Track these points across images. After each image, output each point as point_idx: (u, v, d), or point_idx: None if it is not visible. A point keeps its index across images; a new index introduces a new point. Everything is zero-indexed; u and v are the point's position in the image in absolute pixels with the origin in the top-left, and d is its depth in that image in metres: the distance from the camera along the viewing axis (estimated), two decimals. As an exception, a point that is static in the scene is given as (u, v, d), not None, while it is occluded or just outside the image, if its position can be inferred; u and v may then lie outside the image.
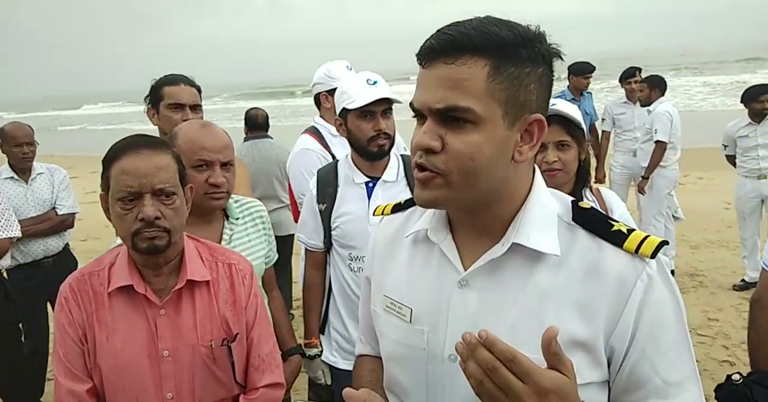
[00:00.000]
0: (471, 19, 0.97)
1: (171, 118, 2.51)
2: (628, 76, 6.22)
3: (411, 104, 1.01)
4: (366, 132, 2.26)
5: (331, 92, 3.02)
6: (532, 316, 0.99)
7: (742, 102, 5.28)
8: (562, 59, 1.01)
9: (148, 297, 1.55)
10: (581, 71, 6.03)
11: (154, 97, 2.58)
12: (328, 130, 3.17)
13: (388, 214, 1.30)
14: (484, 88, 0.93)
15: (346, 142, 2.39)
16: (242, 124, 5.32)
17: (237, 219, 2.08)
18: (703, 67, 37.89)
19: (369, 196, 2.35)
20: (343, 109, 2.28)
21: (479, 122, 0.93)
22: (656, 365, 0.99)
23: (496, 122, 0.94)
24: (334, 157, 3.01)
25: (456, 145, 0.94)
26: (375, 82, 2.27)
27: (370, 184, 2.37)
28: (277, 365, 1.71)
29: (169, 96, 2.53)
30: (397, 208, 1.28)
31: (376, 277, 1.24)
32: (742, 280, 5.32)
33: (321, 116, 3.25)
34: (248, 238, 2.09)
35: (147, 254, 1.51)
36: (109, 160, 1.51)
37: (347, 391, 1.08)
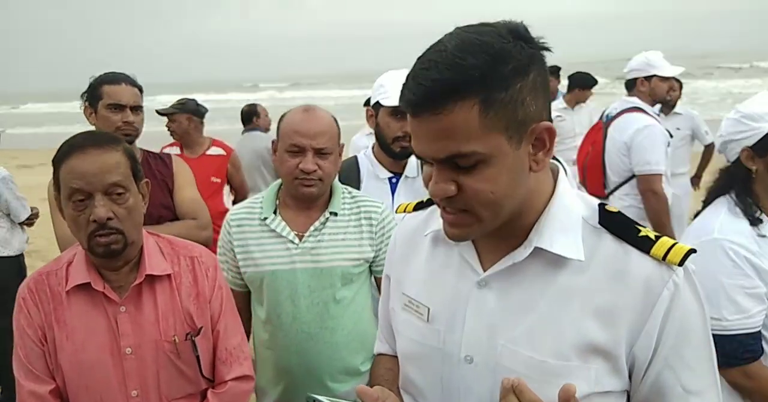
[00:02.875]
0: (439, 52, 0.89)
1: (110, 119, 2.38)
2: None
3: (415, 153, 0.98)
4: (393, 131, 2.25)
5: (648, 78, 3.55)
6: (550, 320, 0.98)
7: None
8: (549, 51, 0.95)
9: (107, 294, 1.53)
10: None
11: (93, 96, 2.42)
12: (651, 109, 3.59)
13: (410, 212, 1.28)
14: (480, 126, 0.88)
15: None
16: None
17: (336, 213, 1.98)
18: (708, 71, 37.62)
19: (393, 192, 2.35)
20: (377, 102, 2.28)
21: (487, 159, 0.91)
22: (679, 374, 0.97)
23: (503, 150, 0.91)
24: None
25: (472, 186, 0.92)
26: None
27: (393, 180, 2.36)
28: (245, 357, 1.68)
29: (108, 95, 2.39)
30: (420, 206, 1.26)
31: (396, 274, 1.23)
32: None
33: (636, 97, 3.61)
34: (344, 236, 1.97)
35: (103, 258, 1.49)
36: (57, 161, 1.49)
37: (361, 388, 1.06)
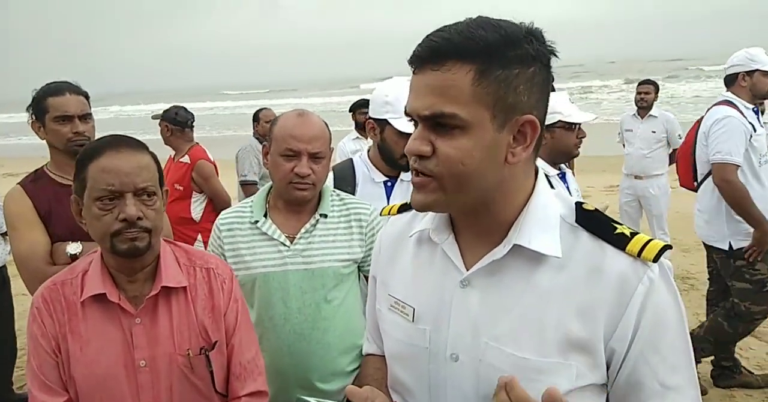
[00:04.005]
0: (459, 23, 0.96)
1: (59, 132, 2.29)
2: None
3: (405, 109, 1.02)
4: (402, 148, 2.27)
5: (750, 73, 3.56)
6: (532, 317, 1.00)
7: None
8: (557, 56, 1.00)
9: (122, 306, 1.50)
10: None
11: (38, 110, 2.33)
12: (743, 104, 3.55)
13: (394, 214, 1.31)
14: (469, 93, 0.93)
15: None
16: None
17: (326, 215, 2.01)
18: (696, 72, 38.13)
19: (388, 196, 2.37)
20: (385, 119, 2.27)
21: (467, 127, 0.94)
22: (655, 369, 0.99)
23: (484, 126, 0.94)
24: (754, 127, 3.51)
25: (446, 150, 0.96)
26: None
27: (389, 184, 2.39)
28: (259, 372, 1.65)
29: (54, 108, 2.29)
30: (404, 207, 1.28)
31: (382, 275, 1.26)
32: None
33: (733, 92, 3.64)
34: (334, 237, 2.00)
35: (126, 257, 1.46)
36: (85, 160, 1.46)
37: (350, 389, 1.08)
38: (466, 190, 0.99)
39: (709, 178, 3.60)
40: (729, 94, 3.63)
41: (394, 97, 2.27)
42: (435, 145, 0.97)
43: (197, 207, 4.34)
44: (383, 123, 2.30)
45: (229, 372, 1.61)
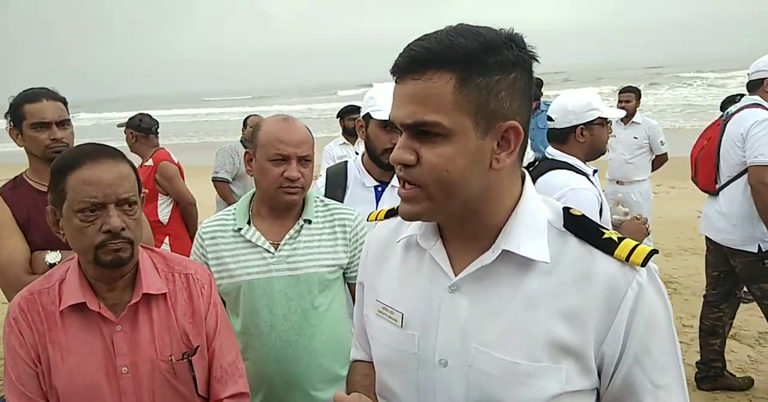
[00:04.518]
0: (439, 31, 0.97)
1: (37, 139, 2.27)
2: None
3: (388, 118, 1.03)
4: (383, 143, 2.28)
5: None
6: (521, 322, 1.00)
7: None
8: (538, 61, 1.00)
9: (103, 314, 1.49)
10: None
11: (15, 116, 2.31)
12: None
13: (381, 220, 1.31)
14: (451, 101, 0.94)
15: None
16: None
17: (310, 221, 2.01)
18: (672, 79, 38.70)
19: (377, 200, 2.38)
20: (368, 114, 2.31)
21: (450, 134, 0.95)
22: (648, 371, 1.00)
23: (467, 133, 0.95)
24: None
25: (429, 158, 0.96)
26: None
27: (379, 189, 2.40)
28: (240, 375, 1.65)
29: (31, 114, 2.28)
30: (391, 213, 1.28)
31: (369, 281, 1.25)
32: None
33: (758, 95, 3.62)
34: (318, 243, 2.00)
35: (109, 268, 1.46)
36: (64, 170, 1.44)
37: (337, 395, 1.07)
38: (453, 197, 0.99)
39: (738, 181, 3.55)
40: (756, 97, 3.59)
41: (377, 93, 2.31)
42: (419, 154, 0.97)
43: (164, 209, 4.31)
44: (367, 118, 2.33)
45: (210, 375, 1.61)
